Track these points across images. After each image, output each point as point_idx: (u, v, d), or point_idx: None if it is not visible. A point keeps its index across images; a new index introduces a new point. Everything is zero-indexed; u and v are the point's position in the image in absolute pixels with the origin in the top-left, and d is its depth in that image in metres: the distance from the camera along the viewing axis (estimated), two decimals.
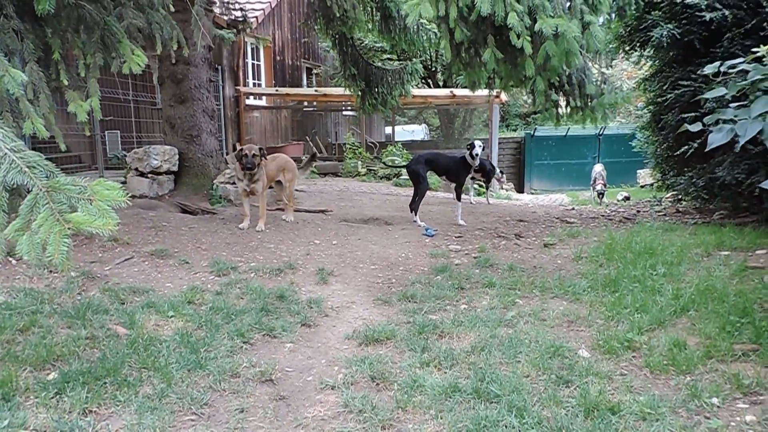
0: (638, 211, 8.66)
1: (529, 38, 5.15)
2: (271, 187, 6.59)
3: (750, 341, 2.84)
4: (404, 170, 11.94)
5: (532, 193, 16.59)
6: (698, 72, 6.60)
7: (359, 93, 9.78)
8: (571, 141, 18.38)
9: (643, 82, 8.47)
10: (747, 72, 2.47)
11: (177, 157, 7.60)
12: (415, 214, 6.77)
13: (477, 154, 6.96)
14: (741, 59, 2.68)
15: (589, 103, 7.74)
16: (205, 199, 7.31)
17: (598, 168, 13.12)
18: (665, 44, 6.83)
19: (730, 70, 2.63)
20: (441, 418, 2.25)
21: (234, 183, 6.55)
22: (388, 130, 17.92)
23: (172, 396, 2.43)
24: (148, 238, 5.16)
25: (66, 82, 4.15)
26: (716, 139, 2.45)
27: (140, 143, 9.72)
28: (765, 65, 2.48)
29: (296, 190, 7.31)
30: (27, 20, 3.86)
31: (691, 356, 2.71)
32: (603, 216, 8.06)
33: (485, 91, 11.83)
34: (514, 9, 5.04)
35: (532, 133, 18.99)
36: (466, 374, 2.63)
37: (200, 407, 2.37)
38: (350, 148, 12.80)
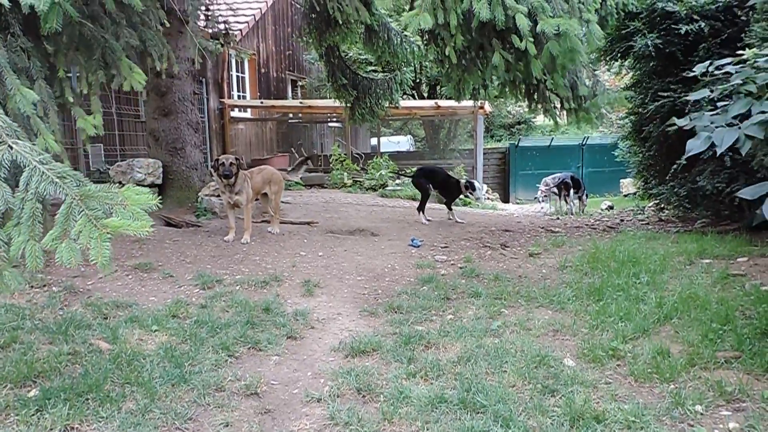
0: (622, 220, 8.76)
1: (531, 39, 5.21)
2: (257, 200, 6.57)
3: (732, 348, 2.87)
4: (390, 181, 11.98)
5: (517, 203, 16.70)
6: (678, 81, 6.75)
7: (349, 103, 9.80)
8: (555, 151, 18.58)
9: (625, 90, 8.61)
10: (731, 75, 2.53)
11: (161, 170, 7.54)
12: (422, 214, 7.83)
13: (478, 198, 8.83)
14: (728, 60, 2.74)
15: (583, 105, 7.82)
16: (189, 212, 7.25)
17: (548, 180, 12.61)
18: (648, 53, 6.96)
19: (717, 71, 2.69)
20: (427, 429, 2.24)
21: (219, 195, 6.52)
22: (374, 141, 17.98)
23: (155, 411, 2.40)
24: (131, 252, 5.11)
25: (71, 99, 4.24)
26: (694, 146, 2.49)
27: (124, 156, 9.65)
28: (748, 68, 2.54)
29: (282, 202, 7.29)
30: (31, 39, 3.90)
31: (674, 364, 2.74)
32: (587, 225, 8.14)
33: (470, 102, 11.94)
34: (518, 11, 5.10)
35: (516, 143, 19.17)
36: (452, 385, 2.63)
37: (184, 422, 2.34)
38: (336, 160, 12.80)
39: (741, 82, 2.41)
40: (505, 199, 17.27)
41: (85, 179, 2.11)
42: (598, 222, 8.68)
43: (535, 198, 12.91)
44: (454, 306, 3.93)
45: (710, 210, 7.00)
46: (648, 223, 7.94)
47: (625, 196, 14.48)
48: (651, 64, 7.55)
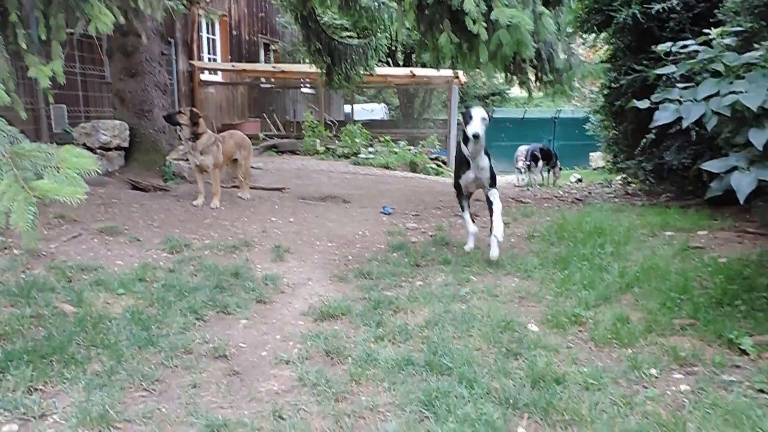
0: (590, 193, 8.93)
1: (484, 24, 5.20)
2: (227, 165, 6.46)
3: (688, 316, 2.99)
4: (363, 149, 11.91)
5: None
6: (651, 57, 6.81)
7: (325, 69, 9.62)
8: (528, 123, 18.73)
9: (600, 65, 8.66)
10: (697, 53, 2.57)
11: (128, 132, 7.34)
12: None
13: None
14: (692, 41, 2.78)
15: (558, 77, 7.86)
16: (157, 176, 7.11)
17: (522, 149, 13.07)
18: (627, 27, 6.98)
19: (682, 50, 2.73)
20: (394, 390, 2.29)
21: (188, 159, 6.39)
22: (347, 108, 17.78)
23: (122, 373, 2.38)
24: (97, 215, 5.00)
25: (25, 46, 3.91)
26: (662, 117, 2.54)
27: (88, 118, 9.33)
28: (714, 48, 2.58)
29: (252, 168, 7.20)
30: None
31: (633, 330, 2.84)
32: (556, 197, 8.27)
33: (447, 71, 11.84)
34: None
35: (490, 114, 19.23)
36: (419, 348, 2.68)
37: (151, 383, 2.33)
38: (309, 126, 12.65)
39: (707, 61, 2.45)
40: None
41: (21, 135, 1.96)
42: (566, 194, 8.82)
43: (517, 168, 13.01)
44: (423, 273, 3.98)
45: (675, 185, 7.17)
46: (615, 197, 8.10)
47: (595, 169, 14.74)
48: (627, 39, 7.58)
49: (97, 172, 1.94)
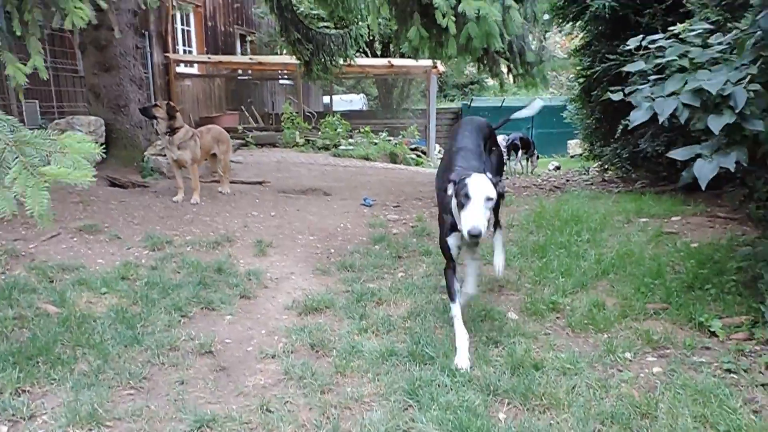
0: (567, 180, 9.07)
1: (453, 18, 5.25)
2: (205, 160, 6.43)
3: (661, 300, 3.10)
4: (343, 141, 11.90)
5: None
6: (625, 45, 6.92)
7: (305, 59, 9.56)
8: (506, 112, 18.76)
9: (575, 52, 8.76)
10: (665, 48, 2.65)
11: (103, 128, 7.24)
12: None
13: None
14: (660, 35, 2.86)
15: (530, 70, 7.96)
16: (135, 172, 7.04)
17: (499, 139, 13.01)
18: (603, 15, 7.06)
19: (651, 45, 2.80)
20: (378, 381, 2.35)
21: (165, 155, 6.34)
22: (326, 99, 17.72)
23: (109, 372, 2.40)
24: (75, 213, 4.95)
25: None
26: (637, 116, 2.62)
27: (62, 114, 9.18)
28: (683, 42, 2.66)
29: (232, 162, 7.17)
30: None
31: (608, 315, 2.94)
32: (535, 185, 8.39)
33: (425, 61, 11.85)
34: None
35: (468, 103, 19.32)
36: (402, 339, 2.74)
37: (139, 381, 2.36)
38: (288, 118, 12.59)
39: (677, 57, 2.53)
40: None
41: (20, 125, 1.98)
42: (545, 182, 8.95)
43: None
44: (405, 264, 4.04)
45: (650, 171, 7.33)
46: (592, 184, 8.24)
47: (572, 157, 14.94)
48: (601, 27, 7.68)
49: (102, 155, 1.98)
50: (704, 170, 2.27)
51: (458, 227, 2.51)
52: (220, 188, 6.37)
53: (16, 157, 1.85)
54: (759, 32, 2.28)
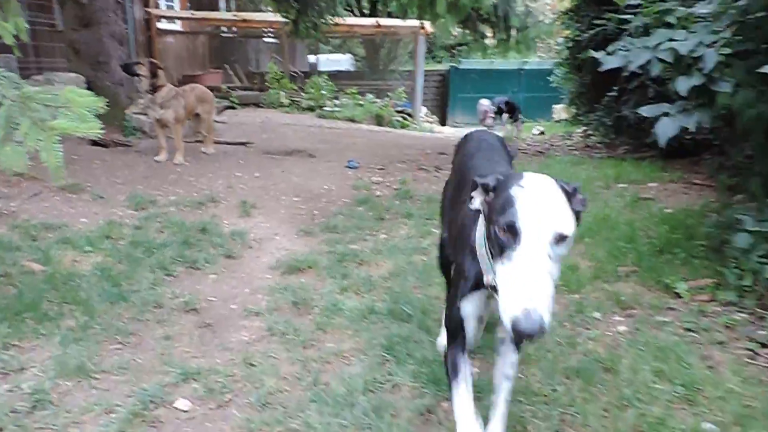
0: (551, 146, 9.13)
1: None
2: (189, 119, 6.37)
3: (632, 264, 3.21)
4: (328, 102, 11.79)
5: (455, 126, 16.92)
6: (614, 10, 6.89)
7: (292, 17, 9.36)
8: (494, 75, 18.69)
9: (563, 15, 8.70)
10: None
11: (85, 85, 7.10)
12: None
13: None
14: None
15: (513, 35, 7.91)
16: (117, 131, 6.96)
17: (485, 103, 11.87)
18: None
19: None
20: (358, 337, 2.45)
21: (148, 114, 6.26)
22: (312, 59, 17.41)
23: (96, 327, 2.47)
24: None
25: None
26: (610, 61, 2.67)
27: (40, 70, 8.96)
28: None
29: (215, 122, 7.11)
30: None
31: (581, 278, 3.05)
32: (519, 150, 8.45)
33: (413, 22, 11.67)
34: None
35: (456, 65, 19.11)
36: (382, 298, 2.83)
37: (126, 336, 2.43)
38: (273, 78, 12.41)
39: (661, 13, 2.57)
40: (443, 122, 17.44)
41: (23, 81, 2.00)
42: (529, 146, 9.01)
43: (481, 121, 12.95)
44: (387, 226, 4.11)
45: (632, 138, 7.41)
46: (575, 149, 8.32)
47: (557, 122, 14.93)
48: None
49: (106, 107, 2.01)
50: (666, 128, 2.34)
51: (485, 282, 1.47)
52: (204, 148, 6.34)
53: (24, 113, 1.87)
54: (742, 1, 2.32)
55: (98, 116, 5.95)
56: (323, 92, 11.95)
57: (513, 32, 7.84)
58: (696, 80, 2.28)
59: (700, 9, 2.49)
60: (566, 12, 8.67)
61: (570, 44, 8.56)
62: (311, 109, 11.61)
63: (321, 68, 15.63)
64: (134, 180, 4.99)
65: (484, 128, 10.98)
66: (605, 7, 7.20)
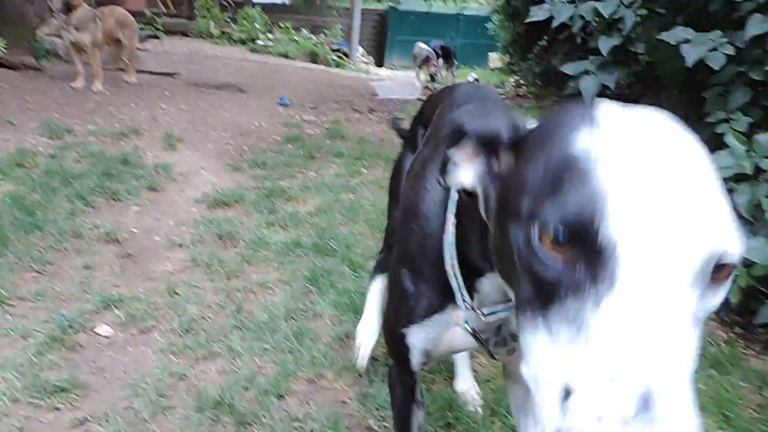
0: None
1: None
2: (108, 45, 5.97)
3: None
4: (261, 36, 11.31)
5: (392, 69, 16.75)
6: None
7: None
8: (433, 19, 18.51)
9: None
10: None
11: None
12: None
13: None
14: None
15: None
16: (27, 53, 6.41)
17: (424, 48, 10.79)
18: None
19: None
20: (282, 269, 2.52)
21: (62, 36, 5.80)
22: None
23: (9, 256, 2.39)
24: None
25: None
26: (536, 14, 2.77)
27: None
28: None
29: (138, 49, 6.71)
30: None
31: None
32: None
33: None
34: None
35: (395, 6, 18.72)
36: (308, 233, 2.90)
37: (42, 265, 2.38)
38: (202, 5, 11.70)
39: None
40: (380, 64, 17.21)
41: None
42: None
43: (419, 66, 12.78)
44: (317, 164, 4.13)
45: (559, 89, 7.68)
46: (507, 98, 8.51)
47: (492, 70, 15.12)
48: None
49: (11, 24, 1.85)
50: (588, 86, 2.49)
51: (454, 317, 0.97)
52: (126, 77, 6.01)
53: None
54: None
55: (6, 35, 5.48)
56: (256, 25, 11.44)
57: None
58: (616, 40, 2.41)
59: None
60: None
61: None
62: (243, 42, 11.11)
63: None
64: (48, 107, 4.69)
65: (434, 78, 10.08)
66: None
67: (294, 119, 5.45)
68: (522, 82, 9.11)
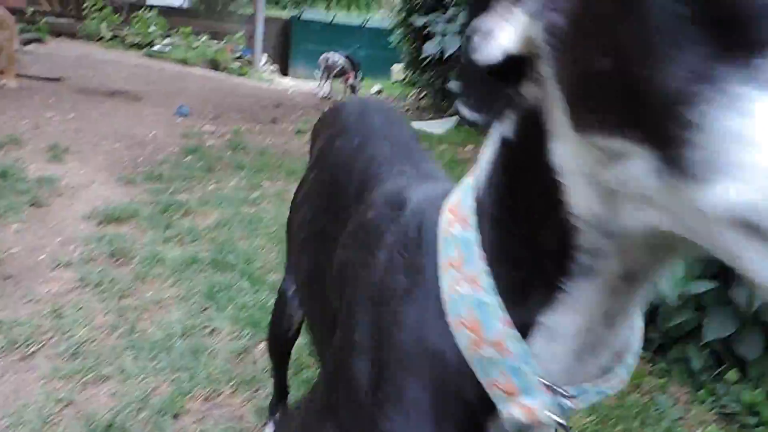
0: None
1: None
2: None
3: None
4: (158, 40, 10.88)
5: (297, 78, 16.70)
6: None
7: None
8: (337, 29, 18.68)
9: None
10: None
11: None
12: None
13: None
14: None
15: None
16: None
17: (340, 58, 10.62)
18: None
19: None
20: (178, 286, 2.48)
21: None
22: None
23: None
24: None
25: None
26: (428, 49, 2.95)
27: None
28: None
29: (20, 51, 6.24)
30: None
31: None
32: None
33: None
34: None
35: (299, 15, 18.71)
36: (206, 248, 2.87)
37: None
38: (93, 6, 11.06)
39: None
40: (284, 72, 17.10)
41: None
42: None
43: (326, 77, 12.60)
44: (217, 177, 4.08)
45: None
46: (409, 110, 8.80)
47: (394, 82, 15.52)
48: None
49: None
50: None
51: (505, 413, 0.50)
52: (5, 81, 5.57)
53: None
54: None
55: None
56: (152, 29, 10.99)
57: None
58: None
59: None
60: None
61: (406, 5, 8.91)
62: (138, 46, 10.64)
63: (150, 1, 14.26)
64: None
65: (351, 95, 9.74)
66: None
67: (193, 130, 5.32)
68: (423, 95, 9.46)
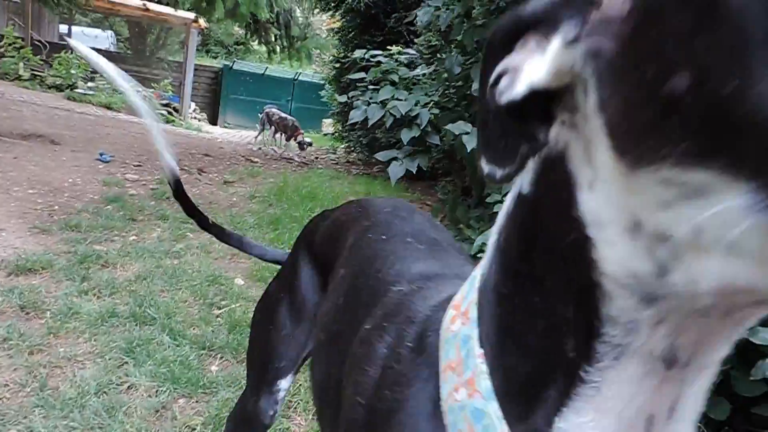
0: (317, 158, 9.71)
1: None
2: None
3: None
4: (81, 82, 10.60)
5: (226, 127, 16.65)
6: (373, 40, 7.76)
7: None
8: (268, 81, 18.94)
9: (334, 33, 9.40)
10: (381, 63, 3.23)
11: None
12: None
13: None
14: (380, 51, 3.45)
15: (295, 44, 8.33)
16: None
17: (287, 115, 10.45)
18: (357, 8, 7.75)
19: (372, 59, 3.36)
20: (95, 341, 2.40)
21: None
22: (64, 29, 15.37)
23: None
24: None
25: None
26: (355, 115, 3.14)
27: None
28: (394, 61, 3.27)
29: None
30: None
31: None
32: (285, 159, 8.81)
33: (187, 13, 11.25)
34: None
35: (230, 65, 18.84)
36: (125, 301, 2.80)
37: None
38: (9, 44, 10.65)
39: (388, 72, 3.12)
40: (213, 122, 17.02)
41: None
42: (296, 156, 9.44)
43: (271, 134, 11.64)
44: (139, 227, 4.00)
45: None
46: (337, 163, 9.00)
47: (325, 135, 15.82)
48: (357, 19, 8.42)
49: None
50: (396, 171, 2.88)
51: None
52: None
53: None
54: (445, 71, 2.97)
55: None
56: (74, 71, 10.70)
57: (294, 41, 8.27)
58: (415, 132, 2.86)
59: (419, 71, 3.14)
60: (337, 31, 9.41)
61: (337, 64, 9.28)
62: (58, 88, 10.31)
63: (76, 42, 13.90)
64: None
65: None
66: (367, 36, 8.07)
67: (115, 177, 5.20)
68: (351, 149, 9.73)
